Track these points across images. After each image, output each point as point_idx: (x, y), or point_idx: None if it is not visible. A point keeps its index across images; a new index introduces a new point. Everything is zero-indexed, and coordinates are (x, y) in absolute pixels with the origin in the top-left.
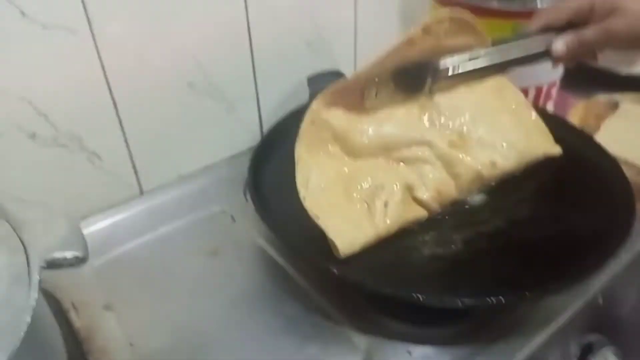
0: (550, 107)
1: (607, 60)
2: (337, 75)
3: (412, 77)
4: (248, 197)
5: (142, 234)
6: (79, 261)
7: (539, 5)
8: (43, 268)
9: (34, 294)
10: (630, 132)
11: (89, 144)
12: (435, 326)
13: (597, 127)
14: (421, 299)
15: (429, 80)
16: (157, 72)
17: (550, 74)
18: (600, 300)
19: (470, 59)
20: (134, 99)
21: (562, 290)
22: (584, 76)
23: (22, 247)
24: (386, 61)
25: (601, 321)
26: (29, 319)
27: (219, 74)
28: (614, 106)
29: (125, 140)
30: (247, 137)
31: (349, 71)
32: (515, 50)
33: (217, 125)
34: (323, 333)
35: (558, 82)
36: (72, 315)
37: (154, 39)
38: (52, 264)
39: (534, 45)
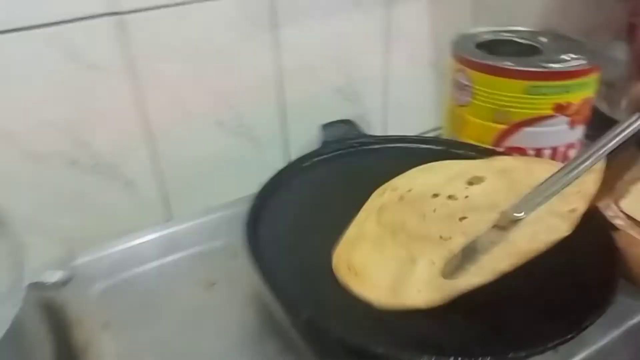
0: None
1: None
2: (348, 124)
3: None
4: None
5: (151, 261)
6: (59, 286)
7: (553, 67)
8: (30, 287)
9: (15, 311)
10: None
11: (124, 173)
12: None
13: (627, 192)
14: (380, 352)
15: None
16: (191, 109)
17: (567, 135)
18: None
19: None
20: (170, 133)
21: (521, 359)
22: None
23: (18, 266)
24: None
25: None
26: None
27: (249, 116)
28: None
29: (160, 172)
30: None
31: (376, 117)
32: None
33: (245, 164)
34: None
35: (578, 144)
36: (74, 330)
37: (191, 79)
38: (37, 286)
39: None
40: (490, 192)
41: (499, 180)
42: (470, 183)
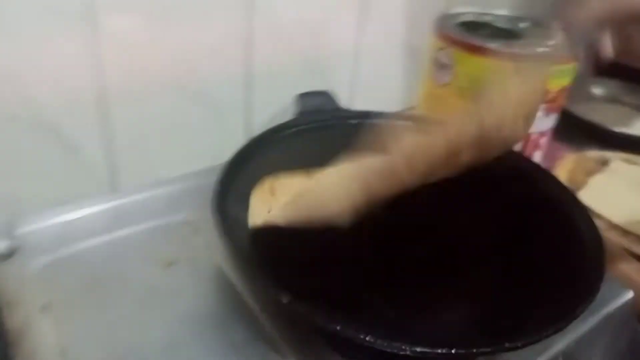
0: (538, 156)
1: (603, 118)
2: (325, 95)
3: None
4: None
5: (100, 234)
6: (4, 258)
7: (539, 50)
8: None
9: None
10: (617, 191)
11: (69, 134)
12: None
13: (585, 183)
14: (368, 340)
15: None
16: (150, 71)
17: (541, 122)
18: None
19: None
20: (124, 95)
21: (517, 349)
22: (578, 130)
23: None
24: None
25: None
26: None
27: (211, 81)
28: (604, 163)
29: (107, 136)
30: (233, 149)
31: (342, 93)
32: None
33: (203, 133)
34: None
35: (549, 133)
36: (9, 312)
37: (153, 35)
38: None
39: None
40: None
41: None
42: None
